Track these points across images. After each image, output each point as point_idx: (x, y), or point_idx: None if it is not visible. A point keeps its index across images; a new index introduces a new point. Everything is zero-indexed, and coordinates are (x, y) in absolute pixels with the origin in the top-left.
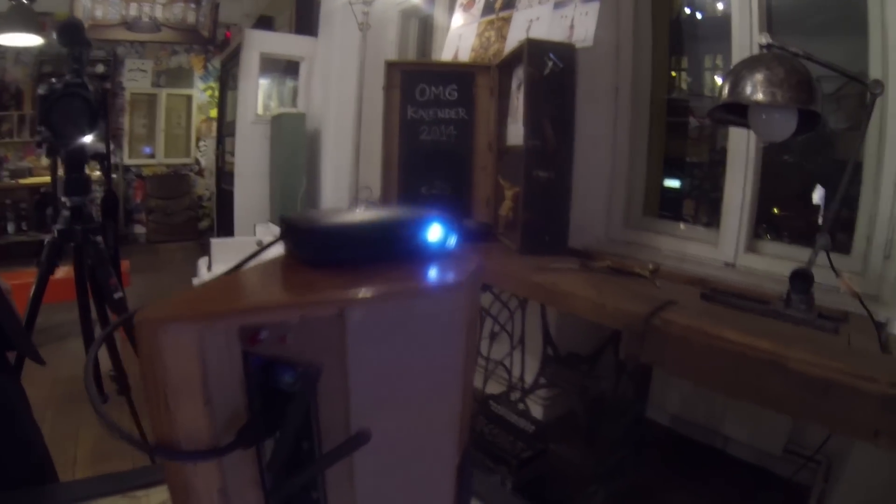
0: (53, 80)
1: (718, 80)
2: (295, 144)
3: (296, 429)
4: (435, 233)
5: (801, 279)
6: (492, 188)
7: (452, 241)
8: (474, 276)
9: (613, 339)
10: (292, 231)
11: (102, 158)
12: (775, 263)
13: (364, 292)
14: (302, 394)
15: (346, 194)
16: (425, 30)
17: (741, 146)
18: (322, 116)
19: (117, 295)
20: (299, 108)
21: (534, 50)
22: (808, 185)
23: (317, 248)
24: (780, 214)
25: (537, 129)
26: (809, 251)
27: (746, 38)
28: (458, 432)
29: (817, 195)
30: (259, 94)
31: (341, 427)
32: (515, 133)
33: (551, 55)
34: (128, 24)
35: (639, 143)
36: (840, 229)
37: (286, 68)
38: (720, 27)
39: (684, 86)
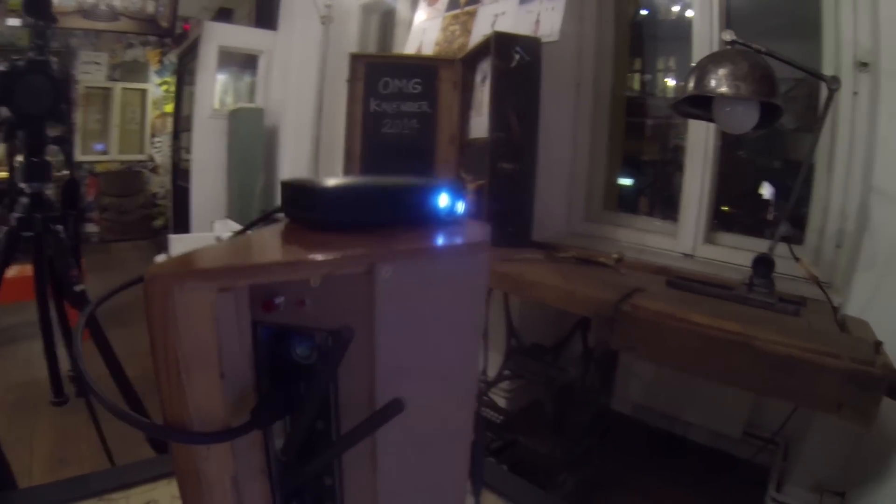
0: (14, 56)
1: (670, 82)
2: (252, 140)
3: (319, 404)
4: (445, 199)
5: (764, 265)
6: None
7: (461, 207)
8: (488, 240)
9: (578, 328)
10: (303, 194)
11: (63, 143)
12: (732, 254)
13: (396, 247)
14: (328, 363)
15: None
16: (386, 25)
17: (700, 142)
18: (280, 111)
19: (78, 288)
20: (257, 103)
21: (501, 42)
22: (758, 182)
23: (333, 210)
24: (732, 209)
25: (503, 120)
26: (762, 242)
27: (707, 36)
28: (475, 405)
29: (766, 191)
30: (216, 89)
31: (364, 400)
32: (478, 126)
33: (518, 48)
34: (84, 12)
35: (599, 139)
36: (791, 223)
37: (243, 63)
38: (676, 30)
39: (638, 86)
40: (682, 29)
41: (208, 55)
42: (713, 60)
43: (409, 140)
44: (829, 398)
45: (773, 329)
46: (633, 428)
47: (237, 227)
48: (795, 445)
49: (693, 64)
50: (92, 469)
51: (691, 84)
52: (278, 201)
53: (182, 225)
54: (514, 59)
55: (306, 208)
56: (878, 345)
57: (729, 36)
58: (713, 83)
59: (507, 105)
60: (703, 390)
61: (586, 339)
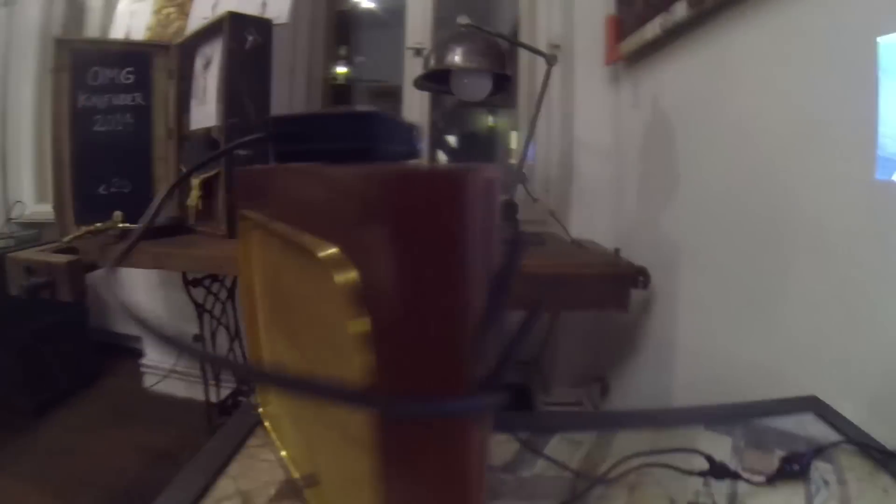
0: None
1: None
2: None
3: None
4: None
5: (510, 208)
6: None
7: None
8: None
9: None
10: (349, 121)
11: None
12: None
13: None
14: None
15: None
16: (73, 7)
17: (416, 117)
18: None
19: None
20: None
21: (236, 24)
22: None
23: (383, 138)
24: None
25: (237, 105)
26: None
27: (420, 23)
28: None
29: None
30: None
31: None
32: (201, 115)
33: (252, 29)
34: None
35: None
36: None
37: None
38: (374, 19)
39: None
40: (374, 20)
41: None
42: (453, 40)
43: (124, 137)
44: (593, 298)
45: (534, 257)
46: None
47: None
48: (550, 357)
49: (409, 47)
50: None
51: (432, 61)
52: None
53: None
54: (248, 41)
55: (347, 136)
56: (617, 251)
57: (464, 20)
58: (454, 58)
59: (241, 89)
60: None
61: None
